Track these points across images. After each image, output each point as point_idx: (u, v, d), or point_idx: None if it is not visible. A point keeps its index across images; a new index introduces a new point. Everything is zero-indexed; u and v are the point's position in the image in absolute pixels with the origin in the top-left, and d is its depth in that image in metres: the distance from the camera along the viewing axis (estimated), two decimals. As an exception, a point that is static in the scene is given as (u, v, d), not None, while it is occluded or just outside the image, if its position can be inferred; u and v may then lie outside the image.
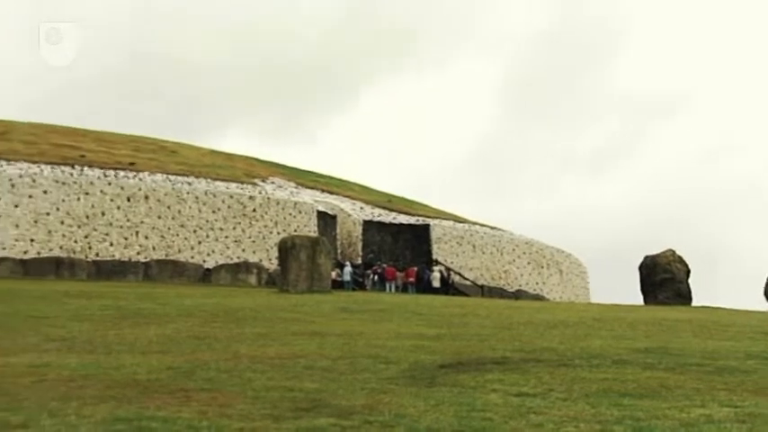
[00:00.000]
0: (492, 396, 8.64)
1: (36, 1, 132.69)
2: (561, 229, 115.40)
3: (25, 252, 33.61)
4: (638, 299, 32.29)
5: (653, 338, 15.21)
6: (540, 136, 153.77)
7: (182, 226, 36.81)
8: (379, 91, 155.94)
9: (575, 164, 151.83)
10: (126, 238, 35.63)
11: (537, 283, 46.65)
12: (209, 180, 39.86)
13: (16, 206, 33.88)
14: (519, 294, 43.65)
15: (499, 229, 48.51)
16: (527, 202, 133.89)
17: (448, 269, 41.89)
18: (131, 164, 39.00)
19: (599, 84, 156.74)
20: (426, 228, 43.76)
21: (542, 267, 47.45)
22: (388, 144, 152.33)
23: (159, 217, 36.46)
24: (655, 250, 32.47)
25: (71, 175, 35.93)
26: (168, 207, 36.76)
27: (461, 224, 46.66)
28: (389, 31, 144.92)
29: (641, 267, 32.24)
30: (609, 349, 13.02)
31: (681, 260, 31.90)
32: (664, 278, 31.18)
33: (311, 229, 38.83)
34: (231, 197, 38.58)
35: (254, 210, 38.80)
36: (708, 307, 27.95)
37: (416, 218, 45.25)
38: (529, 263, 46.84)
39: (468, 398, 8.49)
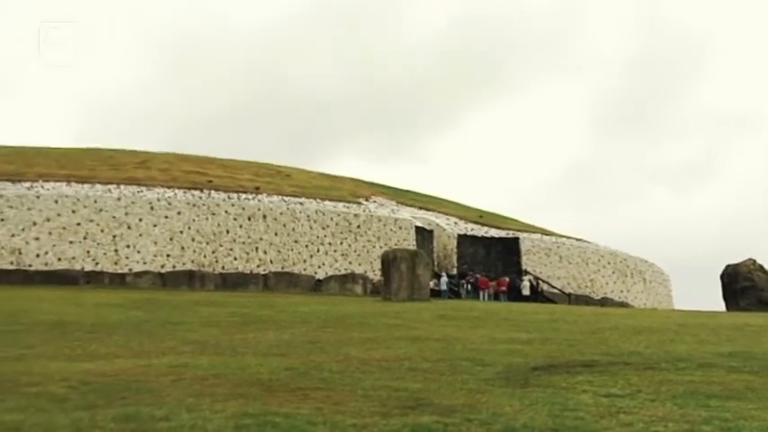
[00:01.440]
0: (583, 396, 8.41)
1: (171, 44, 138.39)
2: (648, 240, 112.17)
3: (162, 266, 34.83)
4: (720, 306, 30.97)
5: (736, 343, 14.51)
6: (628, 152, 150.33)
7: (295, 241, 37.43)
8: (475, 114, 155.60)
9: (662, 178, 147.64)
10: (247, 253, 36.47)
11: (621, 291, 45.27)
12: (319, 200, 40.43)
13: (155, 226, 35.19)
14: (604, 301, 42.45)
15: (585, 241, 47.38)
16: (616, 215, 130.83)
17: (537, 278, 41.15)
18: (257, 188, 39.93)
19: (685, 101, 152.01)
20: (516, 240, 43.16)
21: (626, 276, 46.02)
22: (483, 163, 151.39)
23: (276, 234, 37.18)
24: (736, 259, 31.13)
25: (200, 198, 37.08)
26: (284, 225, 37.46)
27: (549, 237, 45.81)
28: (486, 55, 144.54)
29: (723, 276, 30.97)
30: (694, 353, 12.50)
31: (762, 269, 30.50)
32: (745, 286, 29.87)
33: (410, 243, 38.84)
34: (338, 215, 39.01)
35: (359, 226, 39.12)
36: (790, 313, 26.50)
37: (507, 231, 44.70)
38: (613, 272, 45.51)
39: (561, 398, 8.29)
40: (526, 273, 41.32)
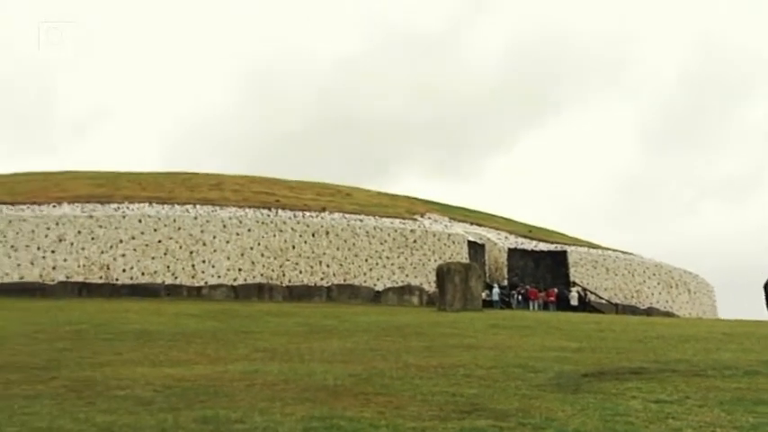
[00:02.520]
0: (632, 402, 8.22)
1: (248, 76, 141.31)
2: (696, 252, 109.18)
3: (235, 279, 35.35)
4: (764, 316, 29.82)
5: (782, 351, 13.97)
6: (677, 168, 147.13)
7: (356, 256, 37.57)
8: (529, 134, 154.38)
9: (710, 192, 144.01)
10: (312, 267, 36.75)
11: (667, 302, 44.06)
12: (377, 217, 40.52)
13: (227, 242, 35.79)
14: (650, 311, 41.36)
15: (630, 254, 46.34)
16: (666, 229, 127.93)
17: (584, 289, 40.39)
18: (323, 209, 40.21)
19: (733, 118, 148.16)
20: (564, 253, 42.46)
21: (671, 287, 44.79)
22: (535, 180, 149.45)
23: (338, 249, 37.39)
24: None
25: (269, 216, 37.58)
26: (345, 240, 37.66)
27: (595, 249, 44.95)
28: (541, 78, 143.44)
29: (766, 286, 29.84)
30: (740, 361, 12.08)
31: (805, 279, 29.23)
32: (789, 295, 28.68)
33: (463, 257, 38.58)
34: (395, 231, 39.03)
35: (415, 241, 39.05)
36: (835, 322, 25.39)
37: (555, 245, 44.01)
38: (659, 283, 44.35)
39: (611, 404, 8.12)
40: (574, 284, 40.59)
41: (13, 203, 36.64)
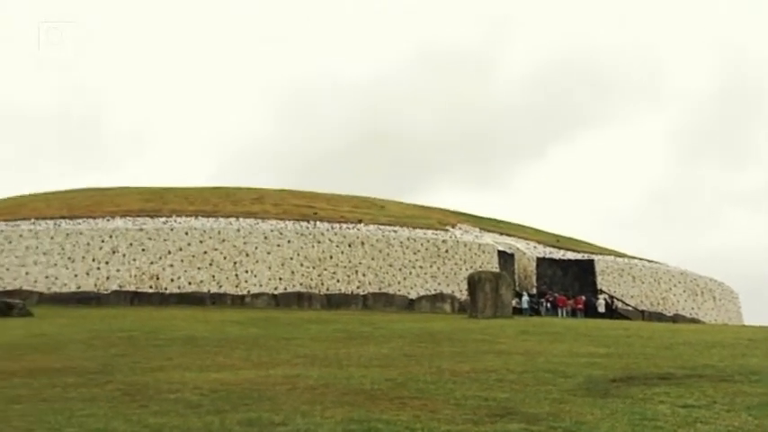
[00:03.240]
0: (661, 407, 8.06)
1: (291, 96, 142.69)
2: (724, 259, 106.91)
3: (275, 288, 35.59)
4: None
5: (809, 357, 13.57)
6: (706, 179, 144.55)
7: (390, 265, 37.56)
8: (560, 147, 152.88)
9: (735, 200, 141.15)
10: (348, 276, 36.83)
11: (692, 308, 43.18)
12: (410, 228, 40.49)
13: (268, 253, 36.07)
14: (676, 318, 40.55)
15: (656, 262, 45.55)
16: (695, 237, 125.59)
17: (611, 297, 39.79)
18: (359, 221, 40.31)
19: (760, 128, 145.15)
20: (591, 262, 41.92)
21: (697, 295, 43.89)
22: (565, 192, 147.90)
23: (373, 258, 37.43)
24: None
25: (307, 228, 37.80)
26: (380, 251, 37.69)
27: (621, 258, 44.29)
28: (572, 92, 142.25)
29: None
30: (766, 366, 11.77)
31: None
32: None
33: (493, 266, 38.32)
34: (428, 241, 38.96)
35: (447, 251, 38.92)
36: None
37: (582, 254, 43.48)
38: (684, 290, 43.50)
39: (640, 408, 7.97)
40: (601, 292, 40.02)
41: (70, 218, 37.44)
